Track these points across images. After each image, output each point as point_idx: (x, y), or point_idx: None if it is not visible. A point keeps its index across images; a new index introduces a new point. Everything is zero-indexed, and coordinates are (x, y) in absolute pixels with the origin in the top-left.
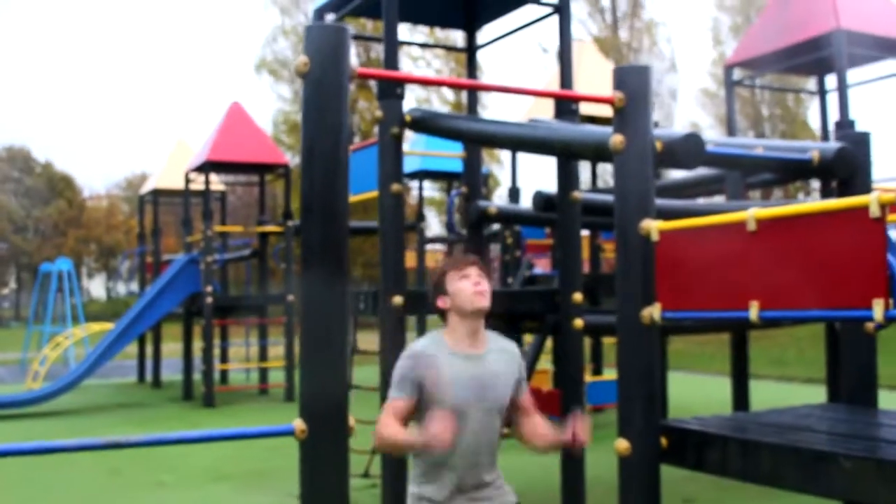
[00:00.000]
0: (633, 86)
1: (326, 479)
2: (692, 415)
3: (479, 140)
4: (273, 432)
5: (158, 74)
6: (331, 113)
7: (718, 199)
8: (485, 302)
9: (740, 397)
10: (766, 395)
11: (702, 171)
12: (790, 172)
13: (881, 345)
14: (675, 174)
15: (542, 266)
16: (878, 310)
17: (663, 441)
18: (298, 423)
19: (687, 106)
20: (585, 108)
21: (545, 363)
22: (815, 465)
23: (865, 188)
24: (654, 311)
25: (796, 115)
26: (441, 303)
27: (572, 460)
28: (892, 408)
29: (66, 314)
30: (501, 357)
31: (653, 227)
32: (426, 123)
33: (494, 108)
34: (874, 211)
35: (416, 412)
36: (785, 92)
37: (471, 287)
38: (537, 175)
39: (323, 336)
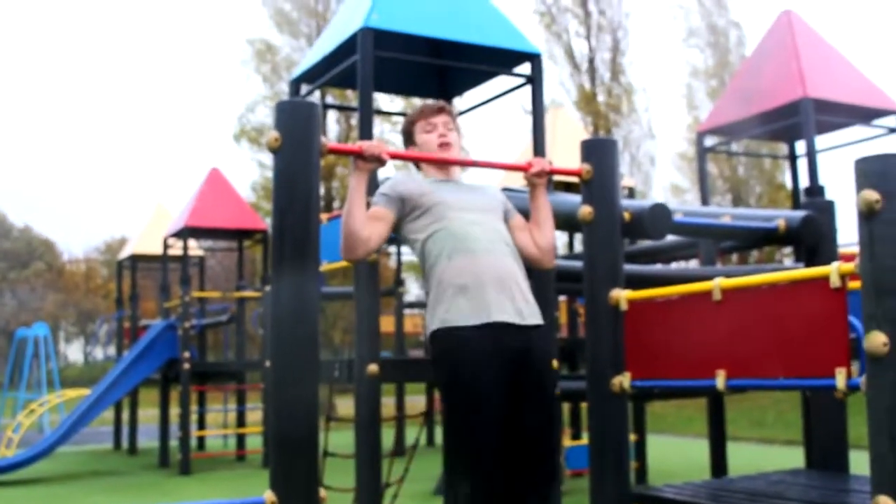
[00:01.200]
0: (601, 158)
1: None
2: (672, 478)
3: None
4: None
5: (139, 139)
6: (301, 187)
7: (694, 264)
8: (451, 150)
9: (718, 461)
10: (746, 457)
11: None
12: (758, 241)
13: (855, 405)
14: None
15: None
16: (840, 379)
17: None
18: (269, 496)
19: (665, 169)
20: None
21: None
22: None
23: (831, 255)
24: (623, 380)
25: (773, 177)
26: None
27: None
28: (864, 471)
29: (42, 380)
30: (476, 185)
31: (622, 296)
32: None
33: (476, 173)
34: (834, 281)
35: (410, 223)
36: (758, 157)
37: (436, 139)
38: None
39: (293, 407)
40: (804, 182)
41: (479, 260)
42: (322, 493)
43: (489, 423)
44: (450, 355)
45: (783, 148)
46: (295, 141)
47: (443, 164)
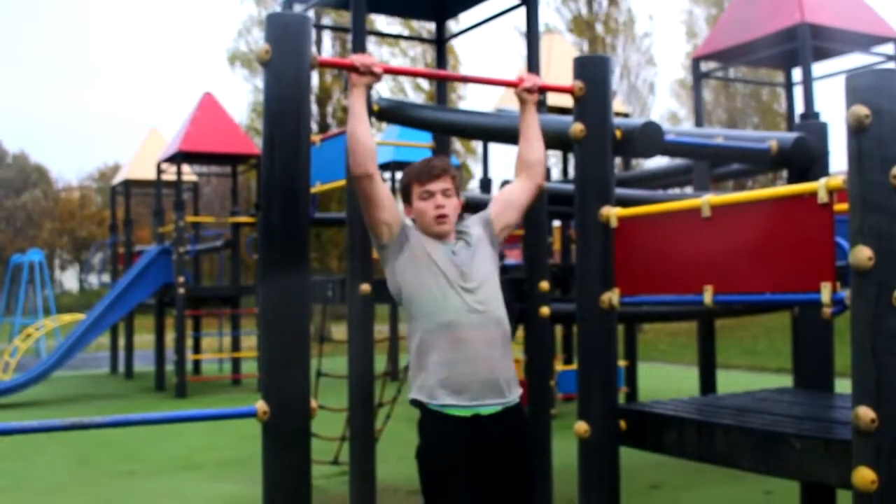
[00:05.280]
0: (593, 75)
1: (288, 460)
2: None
3: (445, 129)
4: (236, 414)
5: (133, 63)
6: (291, 100)
7: (689, 191)
8: (446, 227)
9: (707, 384)
10: (736, 383)
11: (672, 162)
12: (750, 162)
13: (843, 335)
14: (647, 165)
15: (513, 257)
16: (825, 293)
17: (622, 424)
18: (261, 405)
19: (664, 98)
20: (555, 100)
21: (517, 353)
22: (767, 445)
23: (822, 176)
24: (612, 297)
25: (771, 107)
26: (407, 212)
27: (539, 452)
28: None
29: (38, 306)
30: (466, 235)
31: (612, 213)
32: (394, 113)
33: (473, 99)
34: (822, 197)
35: (400, 259)
36: (755, 84)
37: (432, 210)
38: (511, 166)
39: (284, 321)
40: (801, 110)
41: (465, 336)
42: (313, 403)
43: None
44: (429, 445)
45: (781, 76)
46: (285, 53)
47: (439, 231)
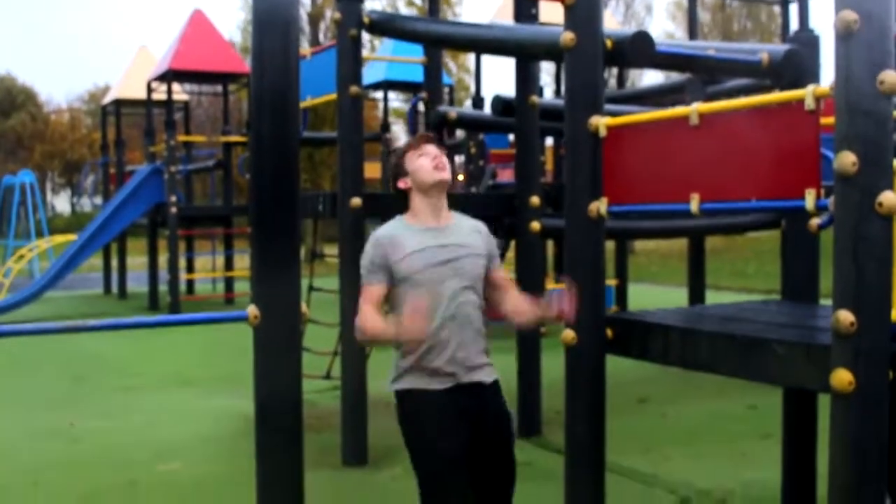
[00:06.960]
0: None
1: (280, 364)
2: None
3: (436, 41)
4: (227, 318)
5: None
6: (280, 9)
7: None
8: (445, 174)
9: (696, 300)
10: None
11: (666, 80)
12: (741, 74)
13: (823, 259)
14: (641, 83)
15: (506, 176)
16: (809, 199)
17: (609, 332)
18: (252, 310)
19: (661, 20)
20: (547, 16)
21: (508, 273)
22: (750, 351)
23: None
24: (601, 206)
25: (769, 28)
26: (402, 184)
27: (528, 366)
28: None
29: (31, 228)
30: (466, 229)
31: (601, 122)
32: (384, 26)
33: (468, 17)
34: (809, 104)
35: (392, 297)
36: (750, 2)
37: (429, 162)
38: (505, 85)
39: (274, 227)
40: (796, 27)
41: (442, 329)
42: (304, 308)
43: (451, 478)
44: (409, 402)
45: None
46: None
47: (435, 210)
